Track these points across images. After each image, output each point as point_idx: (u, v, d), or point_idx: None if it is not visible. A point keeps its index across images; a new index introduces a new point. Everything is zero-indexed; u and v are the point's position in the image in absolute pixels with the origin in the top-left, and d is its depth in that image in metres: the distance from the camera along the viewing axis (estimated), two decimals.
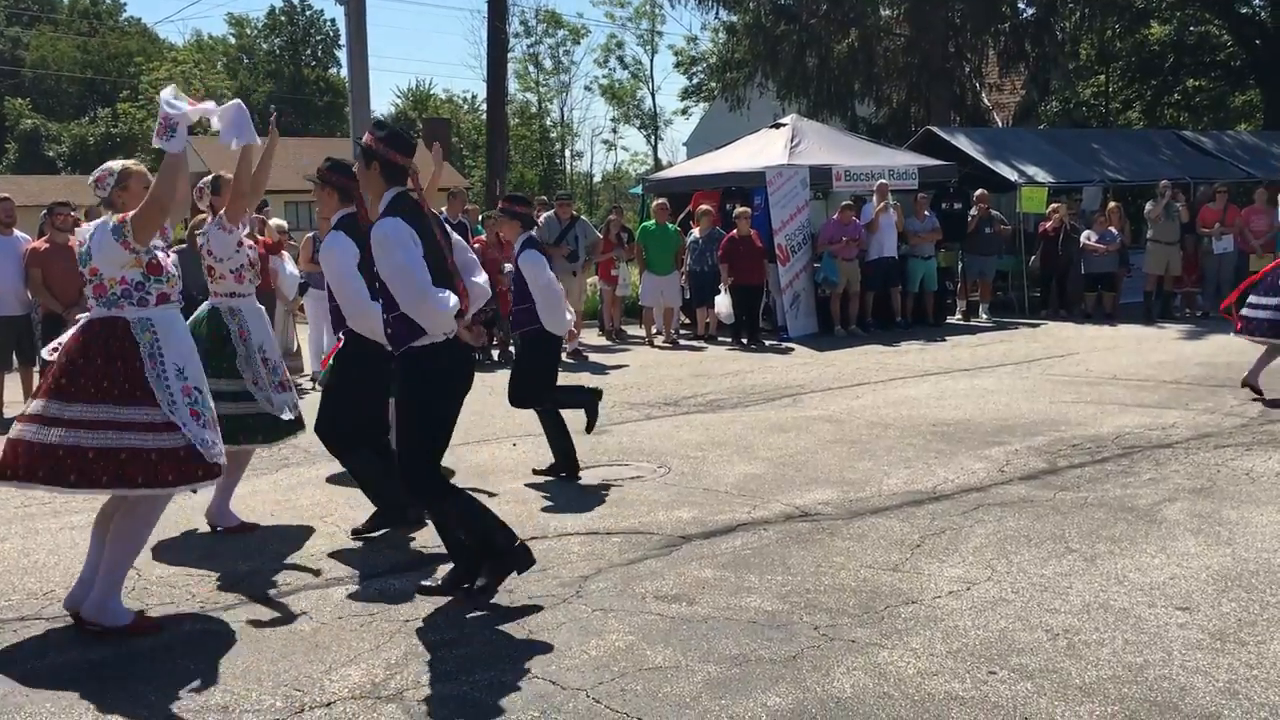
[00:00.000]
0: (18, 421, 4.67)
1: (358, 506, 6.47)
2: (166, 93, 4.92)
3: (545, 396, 7.33)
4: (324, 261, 5.84)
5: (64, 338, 4.84)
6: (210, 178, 6.67)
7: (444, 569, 5.18)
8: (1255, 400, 9.20)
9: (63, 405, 4.55)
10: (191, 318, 5.84)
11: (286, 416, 6.04)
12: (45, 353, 4.97)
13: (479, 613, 4.76)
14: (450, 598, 4.95)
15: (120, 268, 4.68)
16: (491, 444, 8.27)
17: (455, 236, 5.18)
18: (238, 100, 5.76)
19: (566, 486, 7.01)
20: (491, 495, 6.73)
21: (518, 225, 7.27)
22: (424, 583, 5.11)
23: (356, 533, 6.00)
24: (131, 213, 4.71)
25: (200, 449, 4.66)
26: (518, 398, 7.32)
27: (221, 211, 6.16)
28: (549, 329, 7.14)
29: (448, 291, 4.69)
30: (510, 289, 7.50)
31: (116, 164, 4.99)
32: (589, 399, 7.54)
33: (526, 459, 7.74)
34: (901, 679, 3.97)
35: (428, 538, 5.93)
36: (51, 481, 4.51)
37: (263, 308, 6.40)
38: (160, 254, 4.81)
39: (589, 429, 7.50)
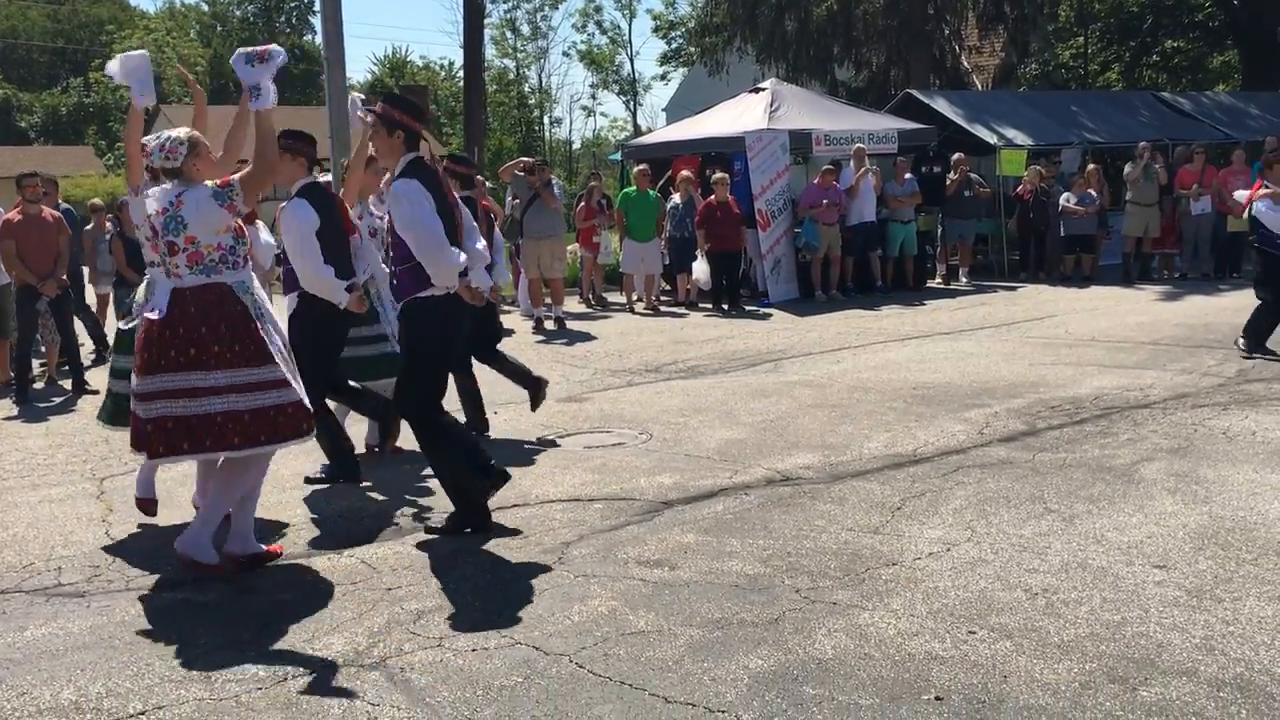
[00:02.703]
0: (156, 400, 4.72)
1: (335, 477, 6.46)
2: (241, 59, 5.13)
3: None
4: (284, 226, 6.07)
5: (149, 313, 4.83)
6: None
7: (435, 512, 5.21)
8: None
9: (205, 374, 4.71)
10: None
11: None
12: (122, 325, 5.43)
13: (461, 579, 4.77)
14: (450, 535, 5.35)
15: (218, 233, 4.80)
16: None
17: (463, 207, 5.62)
18: (143, 51, 5.86)
19: (548, 454, 7.01)
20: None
21: (455, 185, 7.16)
22: (430, 523, 5.52)
23: (309, 480, 6.36)
24: (238, 175, 4.85)
25: (305, 401, 4.95)
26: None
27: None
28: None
29: (457, 249, 5.19)
30: None
31: (181, 132, 4.98)
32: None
33: (506, 427, 7.74)
34: (882, 640, 4.00)
35: (410, 507, 5.94)
36: (218, 448, 4.77)
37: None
38: (239, 220, 4.95)
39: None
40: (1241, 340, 9.57)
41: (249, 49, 5.22)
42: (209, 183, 4.83)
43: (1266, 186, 9.50)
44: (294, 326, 6.09)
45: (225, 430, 4.72)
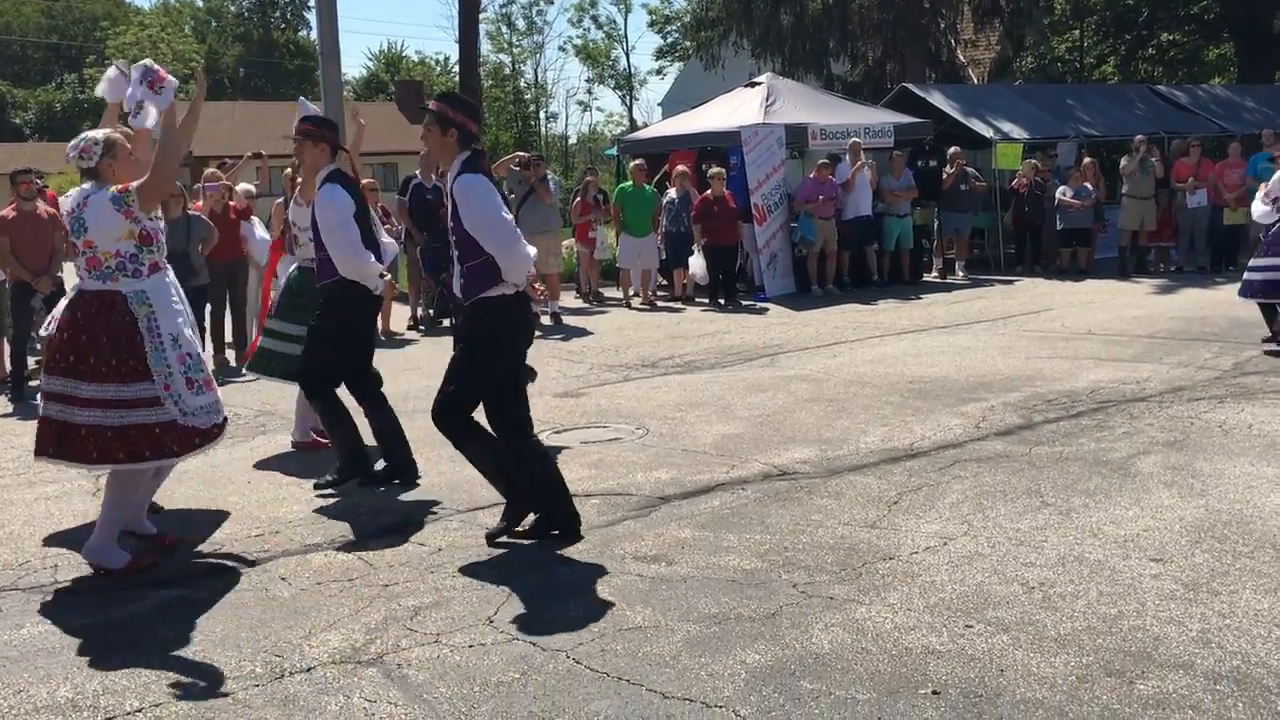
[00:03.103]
0: (44, 399, 4.83)
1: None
2: (113, 72, 5.18)
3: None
4: (322, 211, 6.00)
5: (57, 313, 4.88)
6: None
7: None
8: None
9: (77, 384, 4.72)
10: None
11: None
12: (42, 330, 5.13)
13: (457, 575, 4.77)
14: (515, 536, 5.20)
15: (117, 240, 4.75)
16: None
17: None
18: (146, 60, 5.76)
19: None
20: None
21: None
22: (488, 530, 5.27)
23: (319, 487, 6.16)
24: (136, 182, 4.78)
25: (194, 417, 4.85)
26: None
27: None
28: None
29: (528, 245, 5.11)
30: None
31: (99, 133, 4.99)
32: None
33: None
34: (879, 634, 4.01)
35: (407, 504, 5.93)
36: (78, 459, 4.78)
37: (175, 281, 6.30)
38: (150, 223, 4.87)
39: None
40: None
41: (155, 68, 5.17)
42: (113, 187, 4.79)
43: None
44: (328, 318, 6.13)
45: (86, 444, 4.70)
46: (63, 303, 4.94)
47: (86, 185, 4.87)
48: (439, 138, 5.13)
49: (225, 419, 5.08)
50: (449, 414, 5.14)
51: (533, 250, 5.12)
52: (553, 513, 5.21)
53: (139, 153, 5.21)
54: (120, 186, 4.79)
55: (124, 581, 4.83)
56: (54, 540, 5.50)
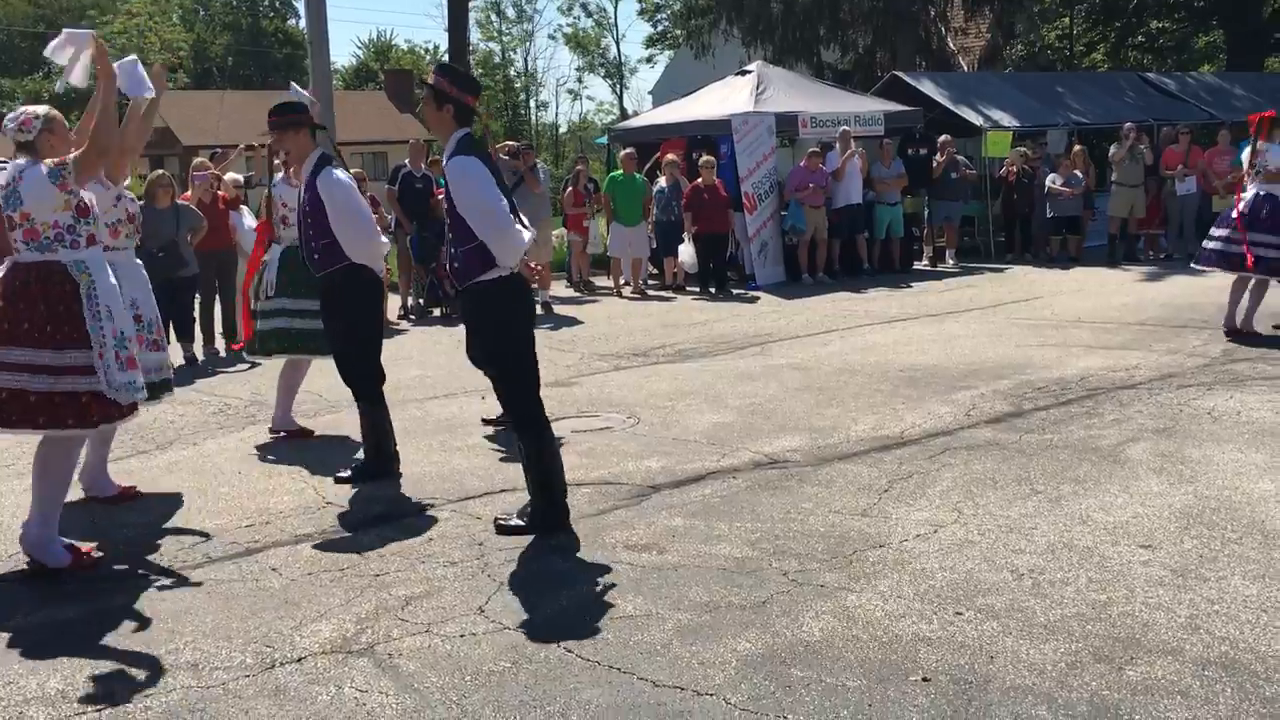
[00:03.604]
0: None
1: (322, 463, 6.45)
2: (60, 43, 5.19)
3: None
4: (335, 192, 5.94)
5: None
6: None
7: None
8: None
9: (8, 350, 4.66)
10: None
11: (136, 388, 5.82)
12: None
13: (449, 565, 4.77)
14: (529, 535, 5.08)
15: (54, 211, 4.75)
16: (459, 397, 8.24)
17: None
18: (132, 56, 5.76)
19: None
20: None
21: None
22: (499, 520, 5.21)
23: (340, 480, 6.10)
24: (72, 155, 4.81)
25: (117, 392, 4.80)
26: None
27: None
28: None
29: (520, 227, 5.01)
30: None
31: (39, 108, 4.99)
32: None
33: (494, 412, 7.72)
34: (870, 621, 4.02)
35: (398, 494, 5.93)
36: (3, 424, 4.70)
37: (140, 263, 6.28)
38: (85, 195, 4.89)
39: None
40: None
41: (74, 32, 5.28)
42: (48, 160, 4.81)
43: None
44: (357, 315, 6.08)
45: (7, 407, 4.66)
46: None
47: (21, 160, 4.85)
48: (434, 113, 5.02)
49: (138, 402, 5.02)
50: (525, 414, 5.09)
51: (528, 234, 5.03)
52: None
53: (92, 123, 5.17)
54: (57, 160, 4.79)
55: (59, 579, 4.77)
56: None
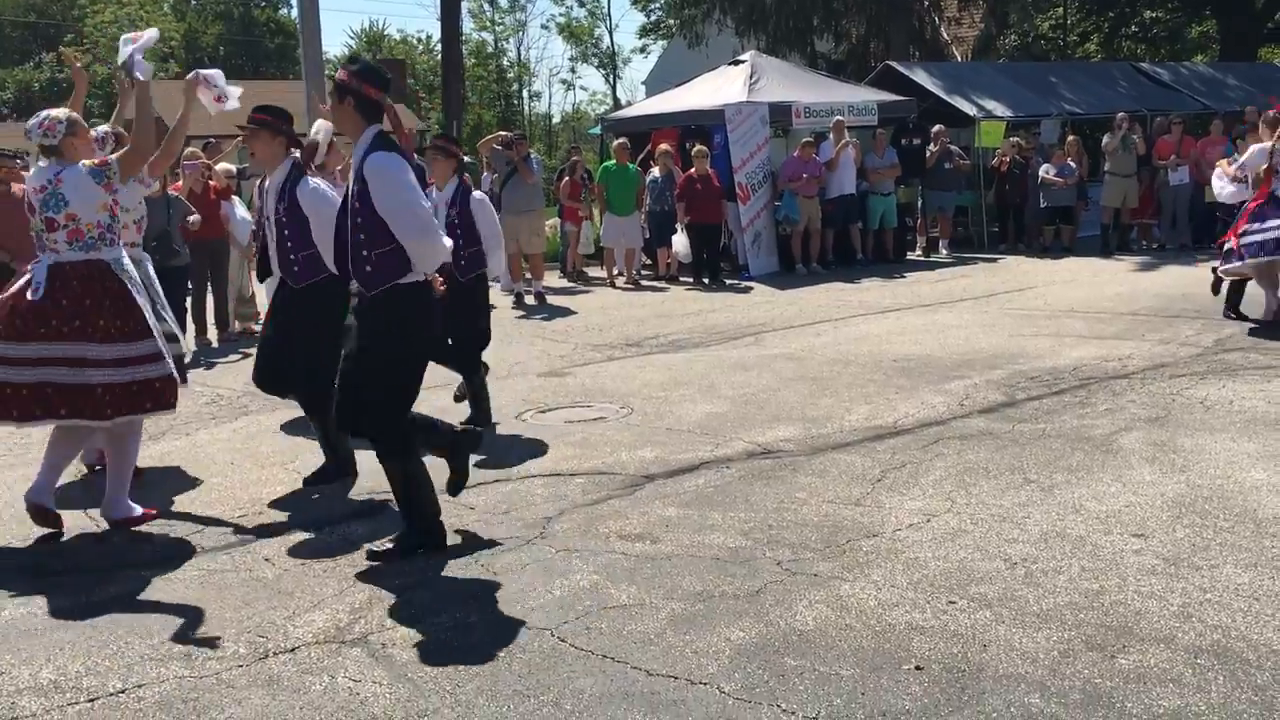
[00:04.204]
0: (21, 365, 4.94)
1: (315, 454, 6.44)
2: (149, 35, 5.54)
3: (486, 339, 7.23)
4: (318, 203, 5.74)
5: (35, 281, 4.98)
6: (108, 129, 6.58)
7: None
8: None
9: (87, 346, 4.95)
10: None
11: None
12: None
13: (441, 555, 4.76)
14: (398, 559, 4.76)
15: (98, 211, 5.02)
16: (449, 388, 8.22)
17: None
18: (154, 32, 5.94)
19: (529, 429, 7.00)
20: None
21: (452, 165, 7.00)
22: (371, 547, 4.85)
23: (308, 482, 5.98)
24: (115, 155, 5.12)
25: (174, 375, 5.24)
26: (477, 346, 7.16)
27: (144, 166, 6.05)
28: (494, 271, 7.10)
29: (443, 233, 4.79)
30: (461, 240, 6.86)
31: (60, 112, 5.20)
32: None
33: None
34: (863, 611, 4.02)
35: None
36: (92, 416, 5.01)
37: (147, 255, 6.26)
38: (115, 196, 5.17)
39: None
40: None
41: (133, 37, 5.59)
42: (85, 162, 5.03)
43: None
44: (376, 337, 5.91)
45: (103, 401, 4.97)
46: (31, 274, 5.01)
47: (45, 162, 5.09)
48: (336, 106, 4.72)
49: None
50: (388, 425, 4.71)
51: (448, 241, 4.75)
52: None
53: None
54: (98, 160, 5.05)
55: (137, 529, 5.26)
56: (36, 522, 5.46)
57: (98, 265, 5.03)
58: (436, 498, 4.91)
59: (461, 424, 5.94)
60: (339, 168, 7.48)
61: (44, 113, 5.18)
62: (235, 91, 5.91)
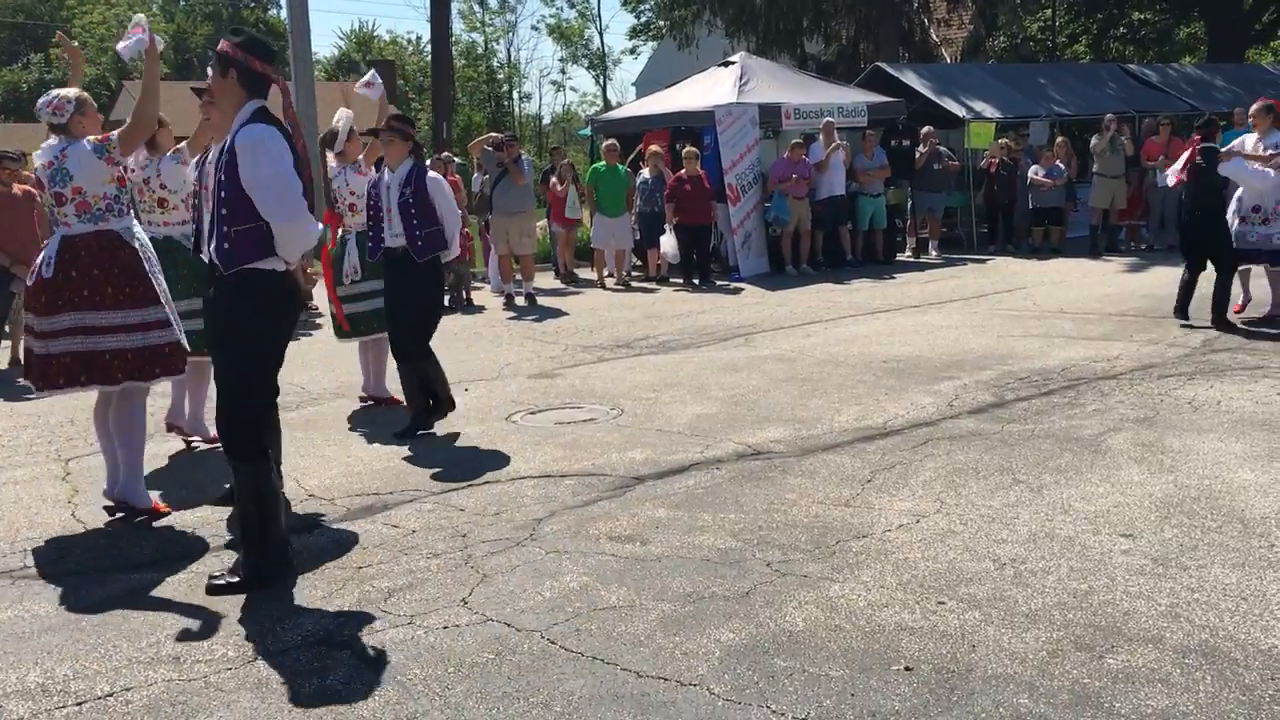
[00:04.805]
0: (48, 338, 5.17)
1: (309, 455, 6.43)
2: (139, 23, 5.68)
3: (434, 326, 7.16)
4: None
5: (47, 256, 5.21)
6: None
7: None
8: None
9: (97, 314, 5.15)
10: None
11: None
12: (29, 279, 5.36)
13: (431, 557, 4.75)
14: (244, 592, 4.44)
15: (104, 183, 5.22)
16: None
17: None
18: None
19: (520, 430, 7.00)
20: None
21: (407, 147, 6.96)
22: (212, 578, 4.53)
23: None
24: (116, 131, 5.31)
25: (182, 342, 5.43)
26: (423, 332, 7.02)
27: (183, 145, 6.60)
28: (448, 256, 7.13)
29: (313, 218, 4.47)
30: (416, 219, 6.90)
31: (69, 91, 5.41)
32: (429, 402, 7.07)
33: (477, 403, 7.72)
34: (853, 611, 4.03)
35: (380, 486, 5.91)
36: (104, 381, 5.21)
37: None
38: (121, 169, 5.34)
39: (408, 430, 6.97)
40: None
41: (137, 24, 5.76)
42: (89, 138, 5.24)
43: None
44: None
45: (111, 366, 5.17)
46: (46, 250, 5.26)
47: (54, 140, 5.29)
48: (219, 80, 4.43)
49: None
50: (238, 430, 4.43)
51: (319, 225, 4.51)
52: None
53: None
54: (100, 136, 5.24)
55: (142, 528, 5.29)
56: (24, 525, 5.45)
57: (107, 235, 5.21)
58: (282, 525, 4.54)
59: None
60: (359, 155, 7.81)
61: (54, 92, 5.36)
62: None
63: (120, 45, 5.81)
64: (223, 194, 4.37)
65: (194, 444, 6.84)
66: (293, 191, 4.34)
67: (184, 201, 6.54)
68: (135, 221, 5.42)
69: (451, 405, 7.08)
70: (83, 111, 5.30)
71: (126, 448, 5.39)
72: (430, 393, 7.00)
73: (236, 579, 4.47)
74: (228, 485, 5.48)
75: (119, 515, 5.41)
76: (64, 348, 5.17)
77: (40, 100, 5.40)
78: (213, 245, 4.44)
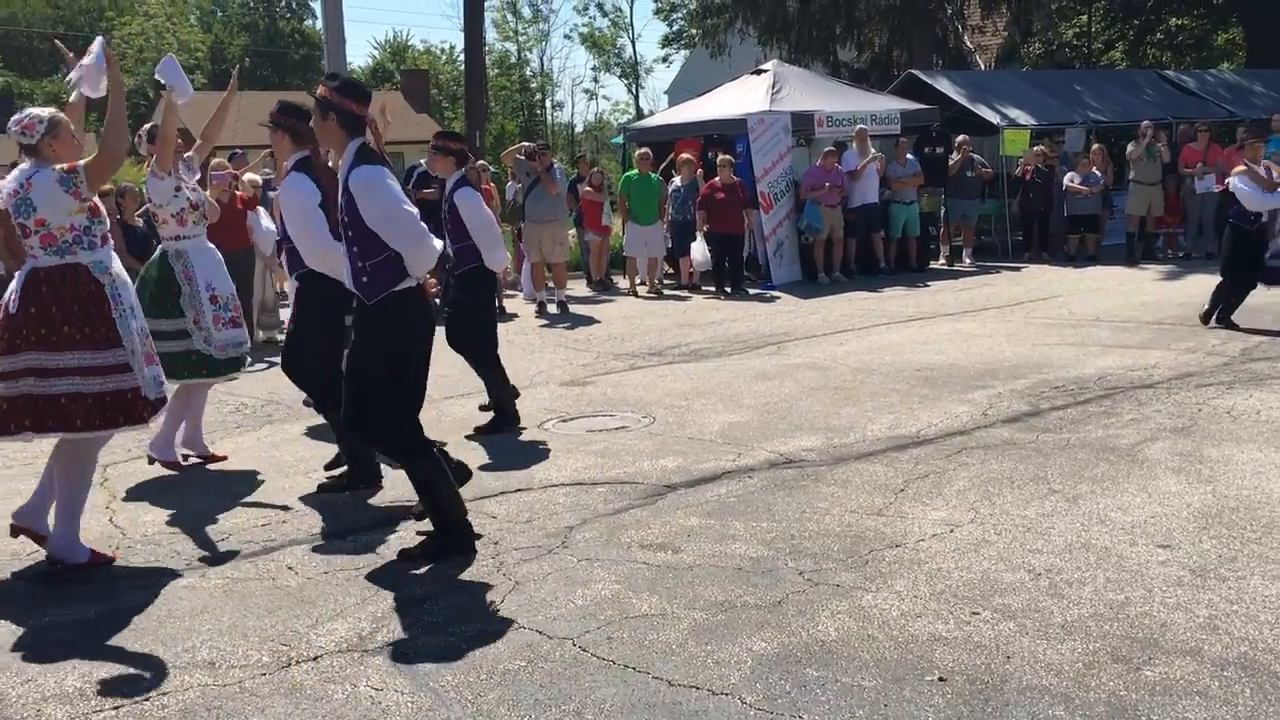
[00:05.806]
0: (7, 378, 4.72)
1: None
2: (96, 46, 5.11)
3: (486, 336, 7.37)
4: (284, 201, 5.91)
5: (14, 289, 4.83)
6: (147, 127, 7.07)
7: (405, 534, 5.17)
8: None
9: (53, 355, 4.71)
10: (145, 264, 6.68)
11: (229, 354, 6.53)
12: None
13: (464, 564, 4.77)
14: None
15: (69, 215, 4.78)
16: (470, 398, 8.25)
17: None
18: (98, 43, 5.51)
19: (551, 438, 7.01)
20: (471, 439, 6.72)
21: (451, 161, 7.07)
22: (404, 548, 4.95)
23: (322, 487, 6.02)
24: (83, 162, 4.83)
25: (147, 387, 4.91)
26: (460, 337, 7.31)
27: (152, 159, 6.49)
28: (490, 265, 7.15)
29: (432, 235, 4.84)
30: (450, 232, 7.11)
31: (43, 110, 4.98)
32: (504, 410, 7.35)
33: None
34: (886, 621, 4.00)
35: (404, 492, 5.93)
36: (61, 428, 4.76)
37: (213, 246, 6.73)
38: (96, 198, 4.93)
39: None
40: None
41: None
42: (57, 167, 4.79)
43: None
44: (300, 309, 6.06)
45: (67, 412, 4.72)
46: (13, 284, 4.88)
47: (25, 164, 4.85)
48: (320, 122, 4.86)
49: (165, 396, 5.15)
50: (394, 433, 4.88)
51: (438, 243, 4.82)
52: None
53: (74, 122, 5.18)
54: (67, 166, 4.79)
55: (82, 576, 4.82)
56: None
57: (73, 269, 4.78)
58: (461, 499, 4.98)
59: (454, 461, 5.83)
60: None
61: (26, 110, 4.96)
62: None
63: (72, 75, 5.18)
64: (350, 233, 4.77)
65: (189, 459, 6.67)
66: (412, 221, 4.71)
67: (173, 217, 6.42)
68: (113, 255, 4.96)
69: (516, 419, 7.30)
70: (54, 134, 4.85)
71: (66, 497, 4.93)
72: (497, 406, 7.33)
73: (417, 547, 4.91)
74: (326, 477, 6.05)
75: (56, 567, 4.91)
76: (19, 390, 4.73)
77: (11, 118, 4.97)
78: (350, 279, 4.86)
